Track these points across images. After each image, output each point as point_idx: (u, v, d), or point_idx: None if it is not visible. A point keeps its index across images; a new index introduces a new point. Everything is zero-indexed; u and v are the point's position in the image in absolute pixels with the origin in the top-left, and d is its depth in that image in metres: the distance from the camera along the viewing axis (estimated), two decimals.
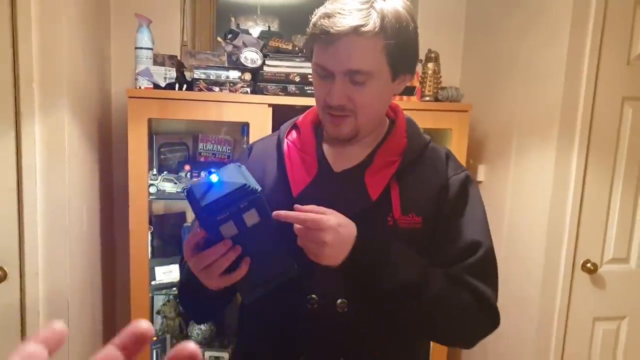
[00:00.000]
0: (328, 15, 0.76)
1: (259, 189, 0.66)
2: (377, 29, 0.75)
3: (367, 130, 0.87)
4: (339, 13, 0.75)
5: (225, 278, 0.71)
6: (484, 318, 0.84)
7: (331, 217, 0.73)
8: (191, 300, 0.89)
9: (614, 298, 1.71)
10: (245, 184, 0.65)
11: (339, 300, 0.83)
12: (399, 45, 0.79)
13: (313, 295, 0.83)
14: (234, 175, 0.68)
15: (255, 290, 0.73)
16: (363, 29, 0.75)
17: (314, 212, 0.74)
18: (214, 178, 0.66)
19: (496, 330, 0.88)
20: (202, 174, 1.83)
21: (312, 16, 0.81)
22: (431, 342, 1.10)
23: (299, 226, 0.73)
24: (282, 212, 0.72)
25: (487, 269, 0.85)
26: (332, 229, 0.73)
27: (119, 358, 0.27)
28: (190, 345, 0.27)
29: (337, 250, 0.75)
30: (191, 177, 1.83)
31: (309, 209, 0.74)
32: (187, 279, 0.81)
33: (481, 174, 1.98)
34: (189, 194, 0.69)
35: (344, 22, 0.75)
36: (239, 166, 0.73)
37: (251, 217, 0.67)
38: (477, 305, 0.81)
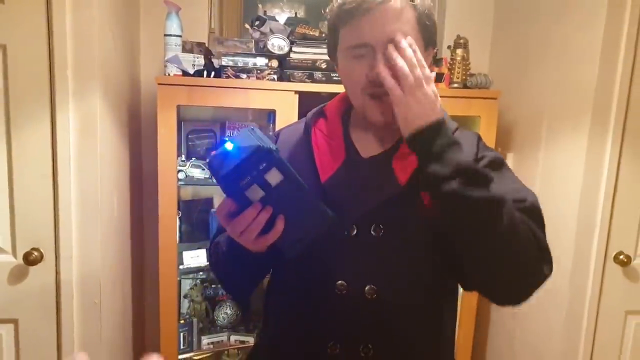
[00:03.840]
0: None
1: (274, 147, 0.66)
2: None
3: None
4: None
5: (263, 239, 0.71)
6: (542, 258, 0.79)
7: None
8: (235, 268, 0.86)
9: None
10: (259, 146, 0.65)
11: (367, 287, 0.82)
12: (425, 14, 0.79)
13: (341, 282, 0.83)
14: (248, 140, 0.68)
15: (296, 245, 0.73)
16: None
17: None
18: (229, 146, 0.66)
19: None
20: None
21: (332, 5, 0.80)
22: (455, 329, 1.08)
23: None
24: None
25: (538, 216, 0.81)
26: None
27: None
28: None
29: (420, 110, 0.72)
30: None
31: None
32: (229, 247, 0.81)
33: (509, 163, 1.94)
34: (210, 166, 0.70)
35: None
36: (252, 129, 0.72)
37: (274, 177, 0.67)
38: (535, 242, 0.77)
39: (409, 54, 0.73)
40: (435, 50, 0.88)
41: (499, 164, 0.86)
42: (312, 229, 0.72)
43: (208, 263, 1.05)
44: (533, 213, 0.80)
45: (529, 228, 0.76)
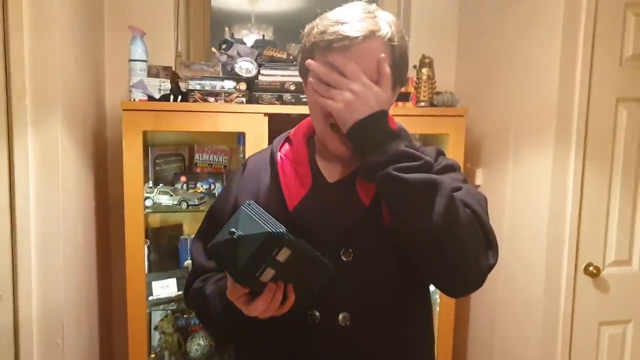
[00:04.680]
0: (340, 22, 0.76)
1: (284, 229, 0.67)
2: (389, 35, 0.78)
3: None
4: (352, 20, 0.76)
5: (279, 310, 0.73)
6: (487, 245, 0.78)
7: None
8: (232, 326, 0.86)
9: (618, 301, 1.68)
10: (270, 232, 0.65)
11: (341, 315, 0.81)
12: (400, 56, 0.81)
13: (314, 311, 0.81)
14: (253, 224, 0.68)
15: (303, 303, 0.75)
16: (379, 33, 0.77)
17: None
18: (236, 236, 0.66)
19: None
20: (199, 184, 1.82)
21: (311, 30, 0.80)
22: (435, 343, 1.05)
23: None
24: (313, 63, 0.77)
25: (477, 198, 0.82)
26: (359, 86, 0.74)
27: None
28: None
29: (360, 102, 0.74)
30: (187, 188, 1.81)
31: None
32: (226, 310, 0.80)
33: (479, 178, 1.97)
34: (215, 257, 0.71)
35: (363, 25, 0.76)
36: (249, 204, 0.72)
37: (284, 254, 0.68)
38: (479, 227, 0.77)
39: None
40: (401, 88, 0.89)
41: (449, 169, 0.88)
42: (316, 283, 0.74)
43: (185, 304, 1.02)
44: (469, 195, 0.81)
45: (474, 213, 0.77)
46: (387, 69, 0.77)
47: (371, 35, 0.76)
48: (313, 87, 0.78)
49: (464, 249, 0.74)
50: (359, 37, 0.75)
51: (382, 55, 0.77)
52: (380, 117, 0.75)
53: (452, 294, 0.86)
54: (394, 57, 0.79)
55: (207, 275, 0.91)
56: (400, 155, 0.73)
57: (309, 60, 0.78)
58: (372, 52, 0.76)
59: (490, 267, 0.78)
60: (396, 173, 0.71)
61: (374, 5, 0.81)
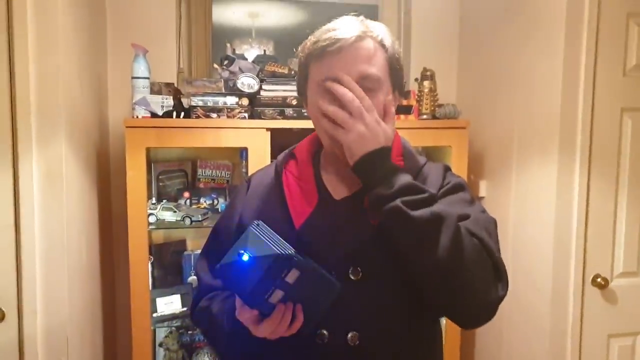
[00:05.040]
0: (332, 29, 0.79)
1: (292, 251, 0.67)
2: (380, 36, 0.81)
3: None
4: (343, 26, 0.79)
5: (287, 331, 0.73)
6: (496, 276, 0.78)
7: None
8: (240, 343, 0.84)
9: (627, 313, 1.66)
10: (279, 254, 0.65)
11: (350, 334, 0.80)
12: (395, 59, 0.83)
13: (322, 331, 0.80)
14: (261, 245, 0.67)
15: (311, 322, 0.74)
16: (371, 34, 0.80)
17: None
18: (245, 257, 0.66)
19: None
20: (202, 200, 1.82)
21: (305, 44, 0.82)
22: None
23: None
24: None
25: (486, 225, 0.82)
26: (372, 120, 0.75)
27: None
28: None
29: (371, 135, 0.75)
30: (190, 204, 1.81)
31: None
32: (233, 328, 0.79)
33: (483, 190, 1.96)
34: (224, 278, 0.71)
35: (355, 27, 0.79)
36: (257, 225, 0.72)
37: (292, 275, 0.67)
38: (488, 259, 0.77)
39: (349, 85, 0.76)
40: (400, 97, 0.90)
41: (457, 188, 0.88)
42: (324, 302, 0.74)
43: (192, 323, 1.01)
44: (477, 224, 0.80)
45: (481, 242, 0.77)
46: (392, 110, 0.80)
47: (364, 35, 0.79)
48: (322, 112, 0.78)
49: (470, 281, 0.74)
50: (351, 37, 0.77)
51: (390, 97, 0.80)
52: (386, 152, 0.77)
53: (462, 325, 0.86)
54: (388, 58, 0.81)
55: (213, 294, 0.91)
56: (408, 187, 0.74)
57: (331, 83, 0.77)
58: (365, 50, 0.78)
59: (500, 299, 0.77)
60: (401, 205, 0.72)
61: (362, 17, 0.84)
